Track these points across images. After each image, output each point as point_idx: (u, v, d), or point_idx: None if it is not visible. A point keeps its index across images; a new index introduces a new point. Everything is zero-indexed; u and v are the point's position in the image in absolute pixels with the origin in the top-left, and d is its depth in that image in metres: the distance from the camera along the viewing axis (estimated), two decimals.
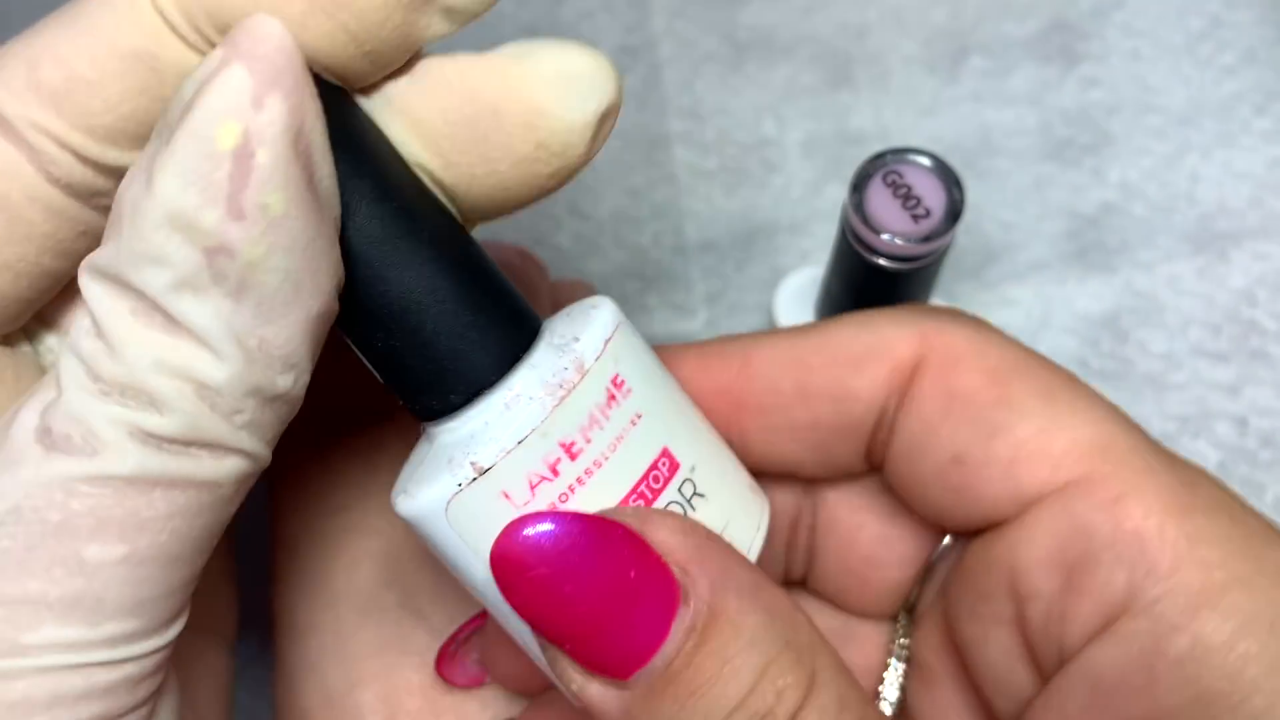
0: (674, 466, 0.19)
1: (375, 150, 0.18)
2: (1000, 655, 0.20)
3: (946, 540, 0.23)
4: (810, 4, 0.39)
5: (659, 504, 0.19)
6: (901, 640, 0.23)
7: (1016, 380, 0.20)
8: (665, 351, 0.22)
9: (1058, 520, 0.19)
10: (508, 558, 0.17)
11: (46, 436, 0.16)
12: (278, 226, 0.16)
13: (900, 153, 0.27)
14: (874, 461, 0.22)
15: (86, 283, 0.17)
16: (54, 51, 0.17)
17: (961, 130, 0.37)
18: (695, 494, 0.19)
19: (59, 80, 0.17)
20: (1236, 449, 0.32)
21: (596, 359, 0.18)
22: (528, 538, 0.17)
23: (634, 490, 0.18)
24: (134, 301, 0.16)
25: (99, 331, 0.16)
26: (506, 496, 0.18)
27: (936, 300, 0.30)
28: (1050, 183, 0.36)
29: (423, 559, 0.25)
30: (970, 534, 0.21)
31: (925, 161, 0.26)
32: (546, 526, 0.17)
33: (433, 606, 0.25)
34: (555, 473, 0.18)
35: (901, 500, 0.22)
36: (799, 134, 0.37)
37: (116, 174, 0.18)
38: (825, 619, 0.24)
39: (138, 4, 0.17)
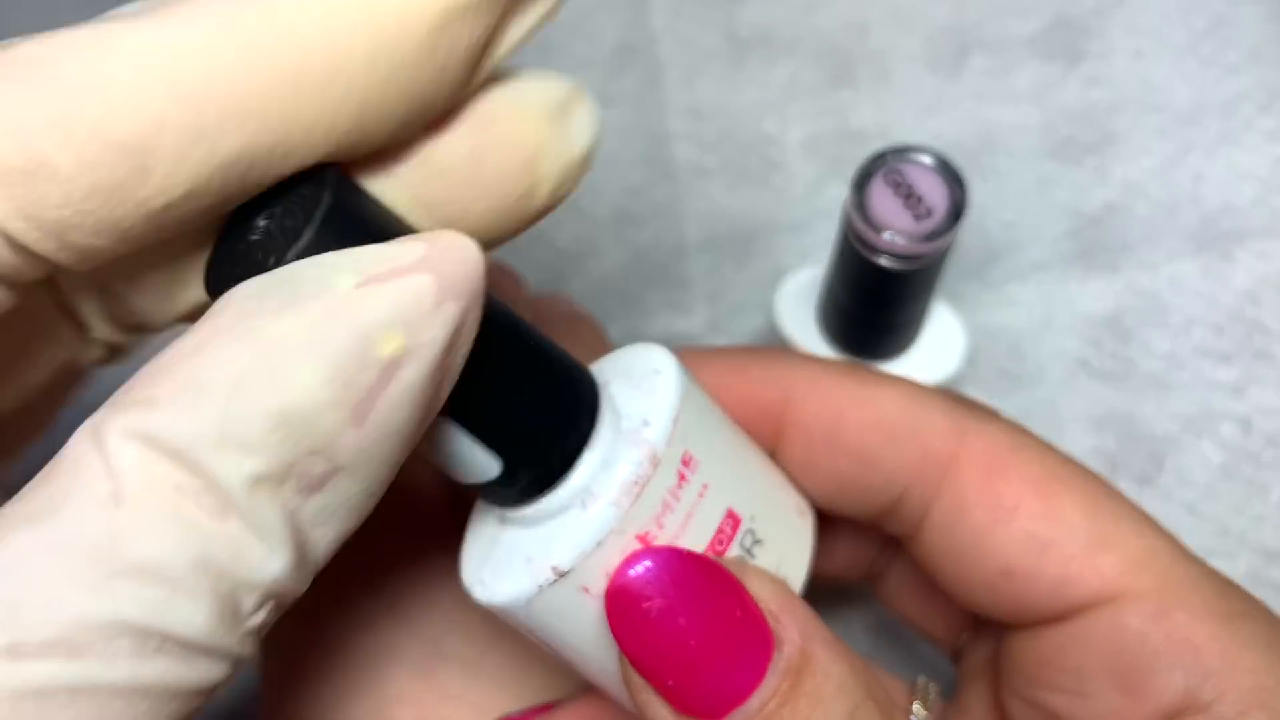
0: (736, 523, 0.20)
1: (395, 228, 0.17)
2: None
3: None
4: (811, 1, 0.38)
5: None
6: (930, 689, 0.24)
7: (1061, 492, 0.21)
8: (712, 363, 0.22)
9: (1111, 631, 0.20)
10: (626, 590, 0.18)
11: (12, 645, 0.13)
12: (387, 439, 0.15)
13: (902, 151, 0.26)
14: (888, 527, 0.23)
15: (118, 446, 0.14)
16: (20, 120, 0.14)
17: (964, 129, 0.36)
18: (755, 542, 0.20)
19: (19, 160, 0.14)
20: (1240, 449, 0.32)
21: (668, 444, 0.18)
22: (647, 570, 0.18)
23: None
24: (184, 477, 0.14)
25: (120, 501, 0.13)
26: (586, 590, 0.18)
27: (939, 300, 0.30)
28: (1053, 182, 0.36)
29: (410, 570, 0.25)
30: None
31: (927, 160, 0.26)
32: (664, 560, 0.18)
33: (425, 617, 0.25)
34: None
35: (941, 589, 0.22)
36: (800, 132, 0.37)
37: (42, 267, 0.15)
38: None
39: (146, 75, 0.14)
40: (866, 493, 0.22)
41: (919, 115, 0.37)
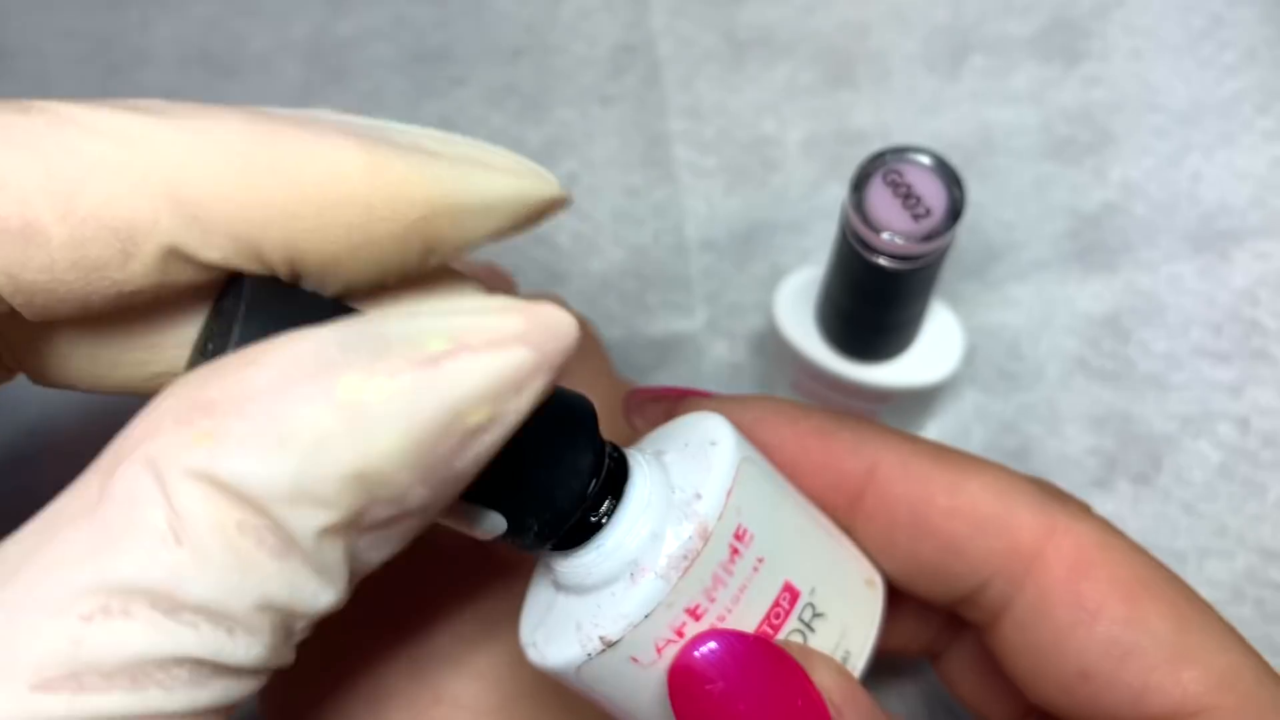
0: (794, 597, 0.19)
1: None
2: None
3: None
4: (811, 2, 0.38)
5: (780, 636, 0.19)
6: None
7: (1147, 598, 0.20)
8: (797, 423, 0.22)
9: None
10: (690, 670, 0.18)
11: (72, 679, 0.13)
12: (455, 487, 0.15)
13: (901, 151, 0.26)
14: (962, 613, 0.22)
15: (182, 486, 0.13)
16: (27, 185, 0.15)
17: (962, 129, 0.36)
18: (815, 615, 0.20)
19: (16, 223, 0.15)
20: (1238, 449, 0.32)
21: (719, 518, 0.18)
22: (712, 652, 0.18)
23: (758, 630, 0.19)
24: (248, 516, 0.14)
25: (181, 541, 0.13)
26: (634, 660, 0.18)
27: (938, 299, 0.30)
28: (1051, 182, 0.36)
29: (403, 570, 0.25)
30: None
31: (926, 160, 0.26)
32: (729, 644, 0.18)
33: (417, 617, 0.25)
34: (681, 635, 0.18)
35: (1012, 682, 0.22)
36: (799, 133, 0.37)
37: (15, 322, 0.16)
38: None
39: (154, 175, 0.15)
40: (947, 580, 0.22)
41: (918, 115, 0.37)
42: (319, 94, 0.38)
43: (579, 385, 0.30)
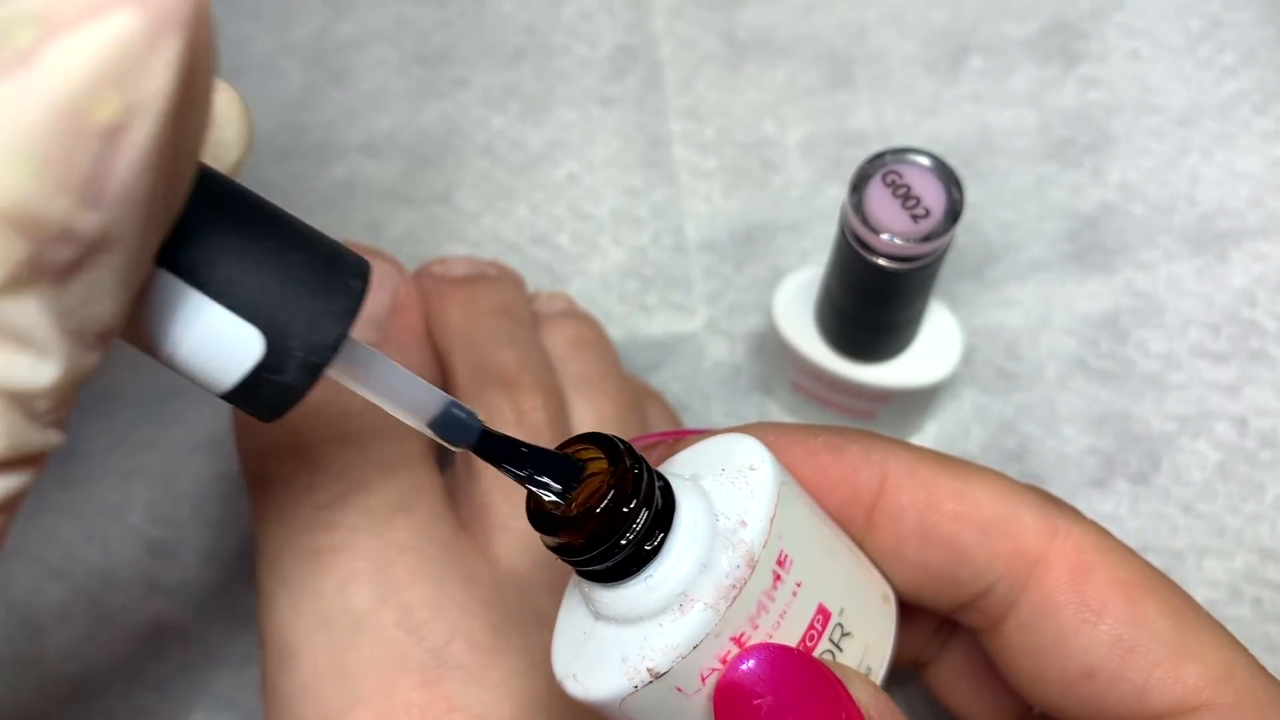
0: (826, 618, 0.20)
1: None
2: None
3: None
4: (810, 4, 0.39)
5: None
6: None
7: (1147, 597, 0.21)
8: (806, 441, 0.22)
9: None
10: (738, 686, 0.18)
11: None
12: (137, 207, 0.13)
13: (900, 153, 0.27)
14: (963, 619, 0.23)
15: None
16: None
17: (961, 130, 0.37)
18: (843, 635, 0.20)
19: None
20: (1236, 449, 0.32)
21: (764, 545, 0.18)
22: (757, 666, 0.18)
23: None
24: None
25: None
26: (679, 690, 0.18)
27: (936, 300, 0.30)
28: (1050, 183, 0.36)
29: (417, 577, 0.25)
30: None
31: (925, 161, 0.26)
32: (775, 657, 0.18)
33: (431, 625, 0.25)
34: (725, 662, 0.18)
35: (1016, 686, 0.22)
36: (799, 134, 0.37)
37: None
38: None
39: None
40: (953, 586, 0.22)
41: (917, 117, 0.37)
42: (321, 95, 0.38)
43: (590, 382, 0.30)
